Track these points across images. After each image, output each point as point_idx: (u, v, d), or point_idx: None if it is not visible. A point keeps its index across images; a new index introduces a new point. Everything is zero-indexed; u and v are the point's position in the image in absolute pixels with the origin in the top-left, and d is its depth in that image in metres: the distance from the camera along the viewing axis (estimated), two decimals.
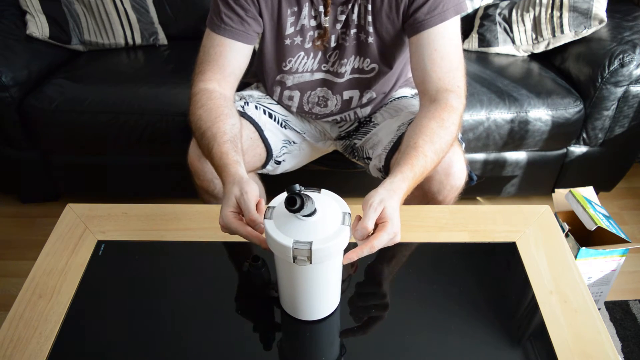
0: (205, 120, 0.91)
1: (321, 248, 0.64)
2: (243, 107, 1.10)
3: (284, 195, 0.70)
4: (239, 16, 0.97)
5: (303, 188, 0.67)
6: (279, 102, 1.18)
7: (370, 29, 1.01)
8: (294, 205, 0.62)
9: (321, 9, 0.99)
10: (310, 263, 0.65)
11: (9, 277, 1.51)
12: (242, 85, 1.11)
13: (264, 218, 0.69)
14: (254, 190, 0.77)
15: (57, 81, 1.52)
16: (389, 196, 0.77)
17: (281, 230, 0.66)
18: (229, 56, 0.99)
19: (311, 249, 0.64)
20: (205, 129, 0.90)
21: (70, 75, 1.56)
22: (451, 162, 0.98)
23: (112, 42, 1.71)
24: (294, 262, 0.65)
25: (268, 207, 0.70)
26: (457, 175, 1.00)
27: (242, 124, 1.02)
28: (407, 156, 0.85)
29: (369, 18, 1.00)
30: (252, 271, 0.77)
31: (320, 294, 0.74)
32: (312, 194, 0.70)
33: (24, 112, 1.47)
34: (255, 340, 0.75)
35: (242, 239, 0.88)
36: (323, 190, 0.72)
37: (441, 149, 0.88)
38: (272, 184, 1.17)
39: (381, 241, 0.73)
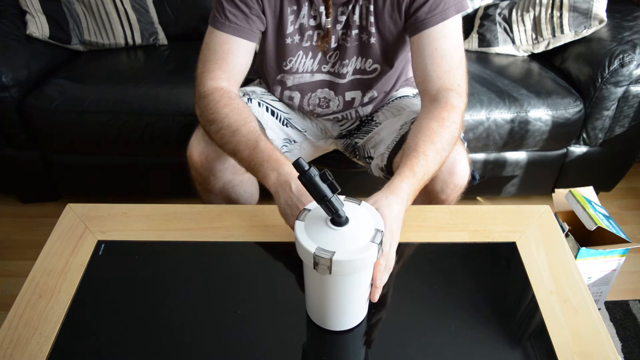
0: (235, 120, 0.92)
1: (342, 260, 0.62)
2: (246, 104, 1.10)
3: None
4: (243, 13, 0.98)
5: (345, 197, 0.67)
6: (281, 100, 1.18)
7: (373, 30, 1.01)
8: (326, 180, 0.61)
9: (322, 9, 1.00)
10: (330, 273, 0.64)
11: (9, 277, 1.51)
12: (244, 82, 1.12)
13: (296, 219, 0.67)
14: None
15: (57, 81, 1.52)
16: (384, 197, 0.77)
17: (309, 235, 0.65)
18: (236, 54, 0.99)
19: (332, 259, 0.62)
20: (238, 127, 0.90)
21: (70, 75, 1.56)
22: (454, 161, 0.98)
23: (112, 42, 1.71)
24: (314, 268, 0.64)
25: (304, 209, 0.69)
26: (461, 174, 1.00)
27: None
28: (406, 157, 0.85)
29: (372, 19, 1.00)
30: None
31: (346, 306, 0.72)
32: (350, 204, 0.69)
33: (24, 112, 1.47)
34: (255, 341, 0.75)
35: (242, 239, 0.88)
36: (363, 203, 0.70)
37: (442, 148, 0.88)
38: None
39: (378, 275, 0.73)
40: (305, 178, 0.63)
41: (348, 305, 0.72)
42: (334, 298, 0.70)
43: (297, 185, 0.80)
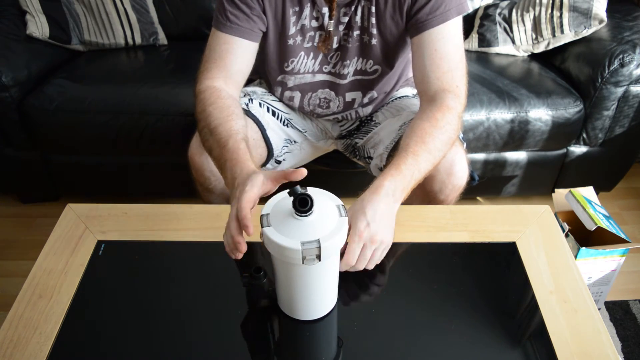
0: (216, 117, 0.91)
1: (329, 244, 0.64)
2: (247, 105, 1.11)
3: (276, 199, 0.70)
4: (244, 13, 0.98)
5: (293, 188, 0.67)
6: (281, 100, 1.18)
7: (374, 31, 1.01)
8: (306, 206, 0.62)
9: (324, 10, 1.00)
10: (320, 261, 0.65)
11: (9, 277, 1.51)
12: (245, 82, 1.12)
13: (262, 227, 0.67)
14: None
15: (57, 81, 1.52)
16: (366, 197, 0.78)
17: (283, 234, 0.65)
18: (236, 53, 0.99)
19: (320, 246, 0.64)
20: (217, 125, 0.89)
21: (70, 75, 1.56)
22: (453, 162, 0.99)
23: (112, 42, 1.71)
24: (302, 263, 0.65)
25: (262, 215, 0.69)
26: (459, 175, 1.00)
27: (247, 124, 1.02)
28: (394, 158, 0.86)
29: (373, 20, 1.00)
30: (253, 282, 0.76)
31: (320, 292, 0.74)
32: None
33: (24, 112, 1.47)
34: (254, 341, 0.75)
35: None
36: (309, 188, 0.70)
37: (435, 148, 0.88)
38: None
39: (351, 252, 0.74)
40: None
41: (326, 289, 0.74)
42: (302, 287, 0.72)
43: (240, 183, 0.76)
